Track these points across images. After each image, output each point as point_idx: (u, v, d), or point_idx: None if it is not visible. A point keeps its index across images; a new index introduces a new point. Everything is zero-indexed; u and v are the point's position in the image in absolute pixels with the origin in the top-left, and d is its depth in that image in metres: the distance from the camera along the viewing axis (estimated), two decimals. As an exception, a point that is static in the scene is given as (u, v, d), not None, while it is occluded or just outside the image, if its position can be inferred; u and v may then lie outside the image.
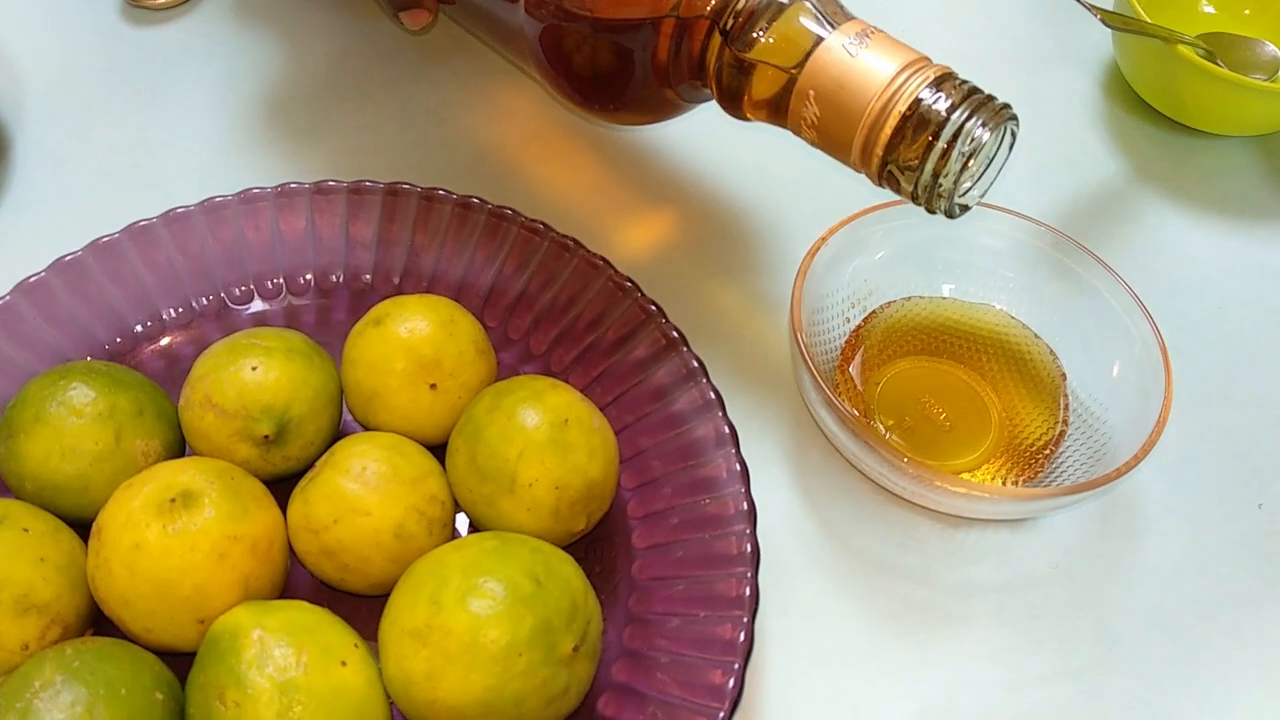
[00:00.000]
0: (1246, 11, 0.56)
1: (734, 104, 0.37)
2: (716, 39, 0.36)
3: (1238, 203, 0.51)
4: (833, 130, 0.34)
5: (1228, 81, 0.49)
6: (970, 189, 0.35)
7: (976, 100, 0.33)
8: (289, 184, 0.44)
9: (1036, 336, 0.44)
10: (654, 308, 0.41)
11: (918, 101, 0.33)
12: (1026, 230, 0.43)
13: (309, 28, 0.55)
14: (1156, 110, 0.54)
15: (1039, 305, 0.44)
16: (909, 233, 0.43)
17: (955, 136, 0.33)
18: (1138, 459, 0.36)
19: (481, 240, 0.43)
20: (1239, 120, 0.51)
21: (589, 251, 0.42)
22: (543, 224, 0.43)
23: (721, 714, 0.32)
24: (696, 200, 0.49)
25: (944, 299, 0.45)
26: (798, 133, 0.36)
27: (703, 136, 0.52)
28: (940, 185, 0.33)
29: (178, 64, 0.53)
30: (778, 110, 0.36)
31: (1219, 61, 0.51)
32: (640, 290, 0.41)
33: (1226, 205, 0.51)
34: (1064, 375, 0.43)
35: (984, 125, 0.33)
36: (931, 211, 0.35)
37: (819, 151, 0.36)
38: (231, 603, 0.33)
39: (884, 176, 0.34)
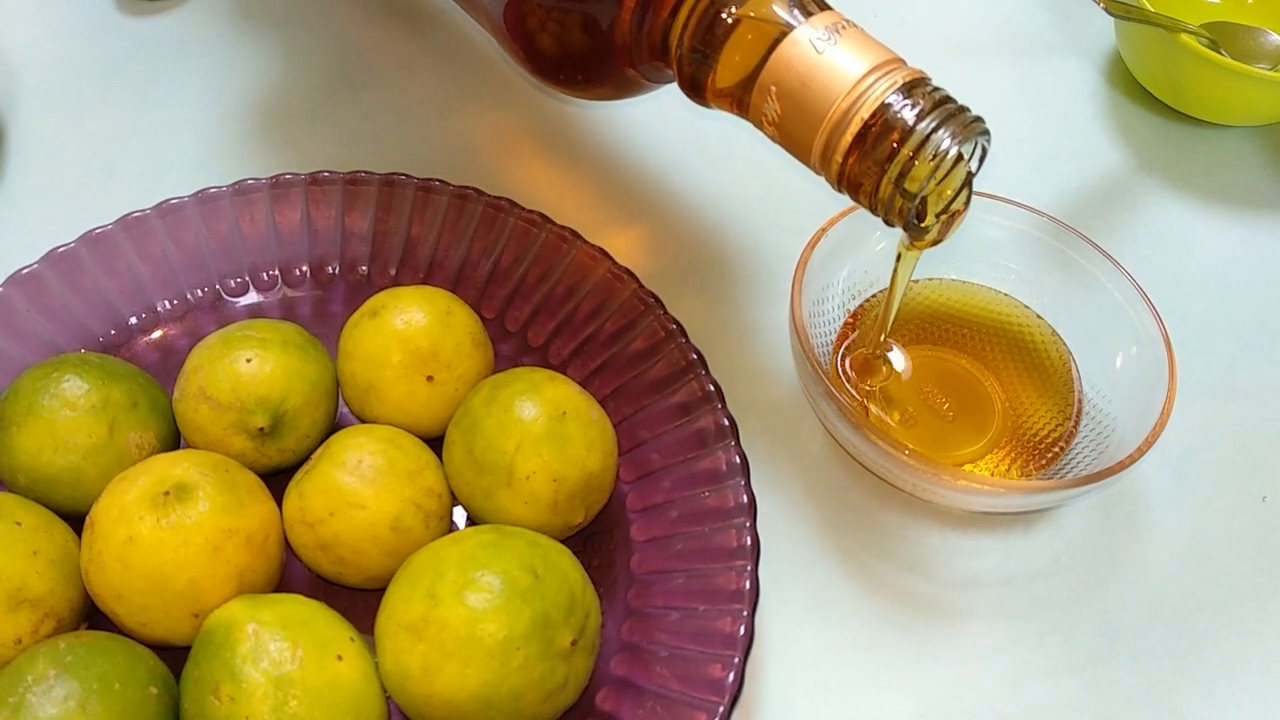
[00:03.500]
0: (1250, 1, 0.55)
1: (695, 90, 0.35)
2: (679, 19, 0.34)
3: (1241, 193, 0.51)
4: (793, 130, 0.32)
5: (1231, 71, 0.48)
6: (939, 203, 0.33)
7: (946, 110, 0.31)
8: (283, 175, 0.43)
9: (1039, 316, 0.43)
10: (653, 299, 0.41)
11: (884, 107, 0.31)
12: (1028, 220, 0.43)
13: (303, 18, 0.55)
14: (1159, 100, 0.53)
15: (1041, 296, 0.43)
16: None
17: (920, 147, 0.31)
18: (1141, 451, 0.36)
19: (478, 231, 0.43)
20: (1242, 110, 0.51)
21: (587, 243, 0.42)
22: (540, 215, 0.43)
23: (721, 708, 0.32)
24: (695, 191, 0.49)
25: (943, 281, 0.44)
26: (759, 128, 0.34)
27: (701, 126, 0.52)
28: (900, 198, 0.32)
29: (172, 55, 0.53)
30: (740, 102, 0.34)
31: (1222, 51, 0.51)
32: (639, 281, 0.41)
33: (1229, 195, 0.51)
34: (1072, 359, 0.42)
35: (952, 137, 0.31)
36: (890, 224, 0.33)
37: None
38: (226, 596, 0.32)
39: (844, 183, 0.32)
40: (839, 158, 0.32)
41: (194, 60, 0.53)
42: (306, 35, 0.54)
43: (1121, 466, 0.36)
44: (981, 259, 0.44)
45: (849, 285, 0.43)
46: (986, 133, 0.32)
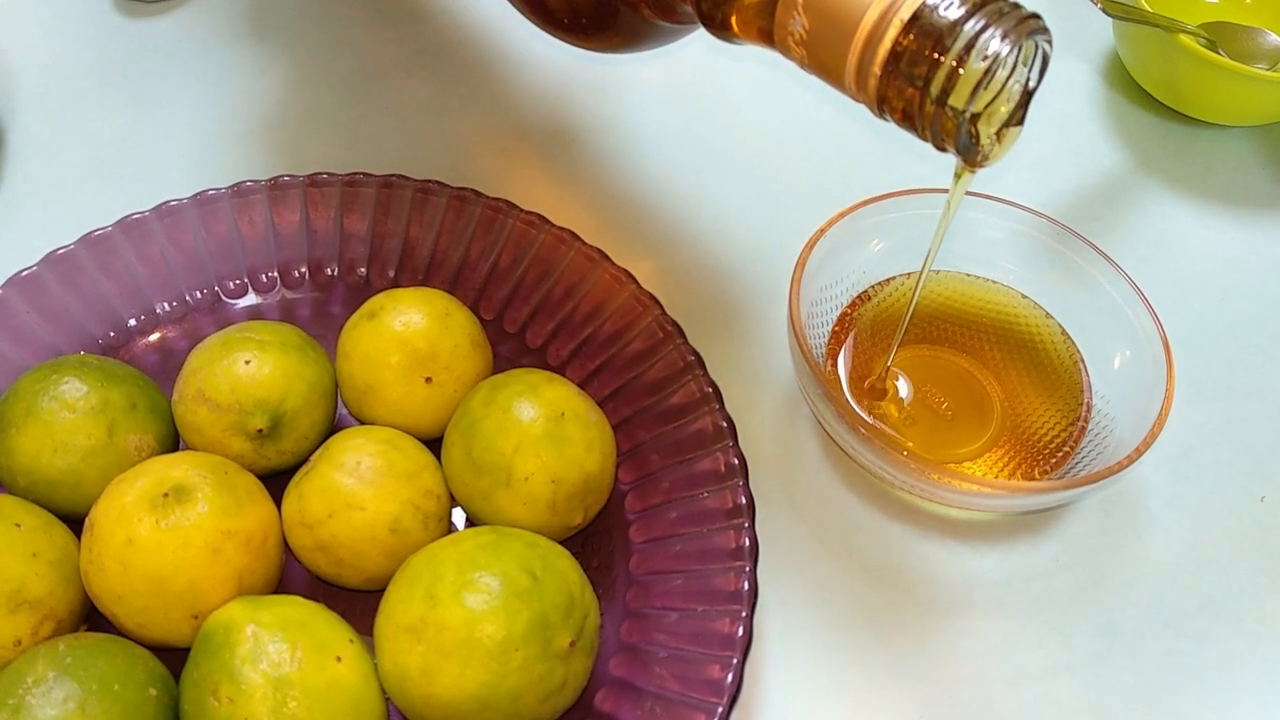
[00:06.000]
0: (1248, 1, 0.55)
1: (716, 18, 0.31)
2: None
3: (1239, 193, 0.51)
4: (823, 47, 0.28)
5: (1229, 71, 0.48)
6: (991, 123, 0.29)
7: (995, 8, 0.27)
8: (282, 177, 0.43)
9: (1048, 315, 0.43)
10: (651, 300, 0.41)
11: (923, 7, 0.27)
12: (1027, 221, 0.43)
13: (303, 20, 0.55)
14: (1158, 100, 0.53)
15: (1040, 297, 0.43)
16: (907, 225, 0.42)
17: (966, 51, 0.27)
18: (1139, 452, 0.36)
19: (477, 233, 0.43)
20: (1240, 110, 0.51)
21: (586, 244, 0.42)
22: (539, 216, 0.43)
23: (720, 709, 0.32)
24: (694, 192, 0.49)
25: (945, 274, 0.44)
26: (786, 53, 0.30)
27: (701, 129, 0.52)
28: (947, 115, 0.28)
29: (171, 56, 0.53)
30: (764, 27, 0.30)
31: (1220, 51, 0.51)
32: (636, 283, 0.41)
33: (1228, 196, 0.51)
34: (1080, 360, 0.42)
35: (1003, 38, 0.27)
36: (941, 149, 0.29)
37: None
38: (225, 598, 0.32)
39: (884, 104, 0.29)
40: (876, 70, 0.28)
41: (193, 62, 0.53)
42: (305, 37, 0.54)
43: (1120, 467, 0.36)
44: (980, 259, 0.44)
45: (847, 286, 0.43)
46: (1045, 31, 0.28)
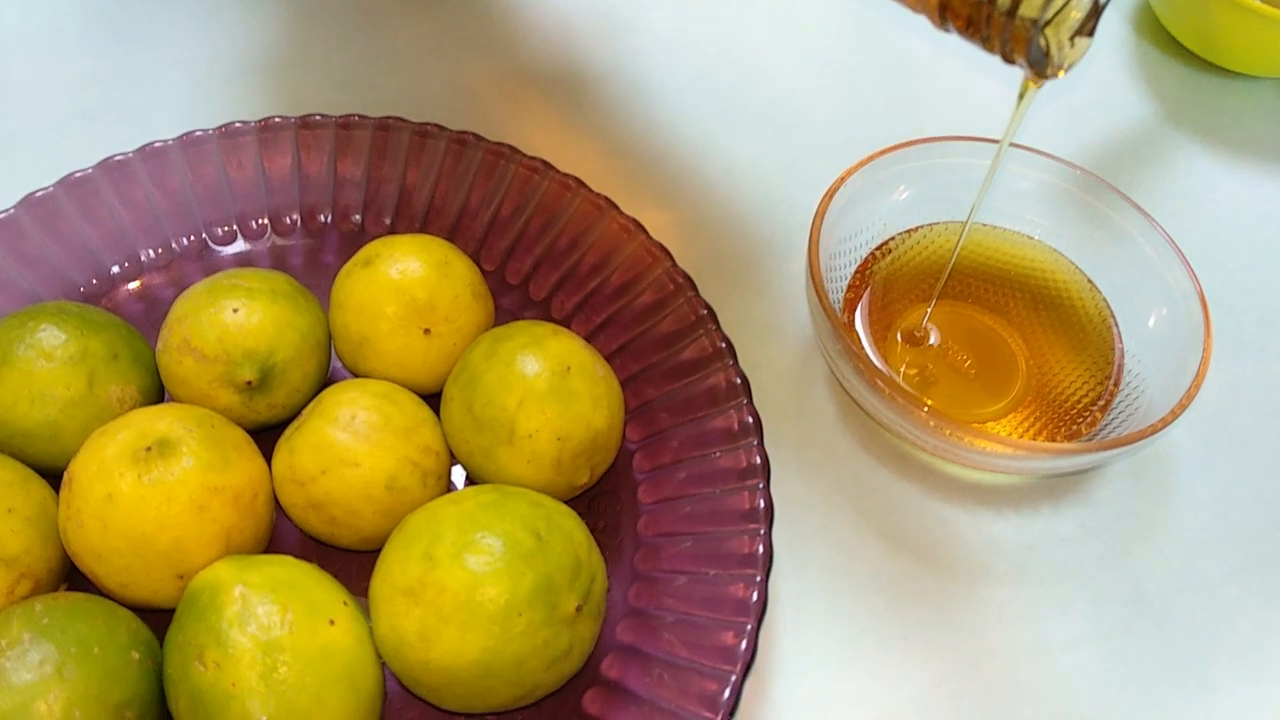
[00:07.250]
0: (1284, -53, 0.53)
1: None
2: None
3: (1272, 146, 0.49)
4: None
5: (1264, 18, 0.46)
6: (1061, 31, 0.28)
7: None
8: (273, 118, 0.41)
9: (1075, 267, 0.41)
10: (661, 251, 0.39)
11: None
12: (1056, 171, 0.41)
13: (296, -44, 0.52)
14: (1189, 50, 0.51)
15: (1069, 251, 0.42)
16: (931, 174, 0.41)
17: None
18: (1174, 414, 0.34)
19: (478, 179, 0.41)
20: (1274, 60, 0.49)
21: (592, 192, 0.40)
22: (542, 162, 0.41)
23: (733, 677, 0.31)
24: (704, 140, 0.47)
25: (975, 226, 0.42)
26: None
27: (710, 78, 0.50)
28: (1018, 24, 0.26)
29: (157, -7, 0.51)
30: None
31: (1257, -3, 0.48)
32: (646, 232, 0.39)
33: (1261, 149, 0.49)
34: (1112, 316, 0.40)
35: None
36: (1010, 61, 0.28)
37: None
38: (212, 557, 0.31)
39: (946, 12, 0.27)
40: None
41: None
42: (298, -25, 0.52)
43: (1153, 430, 0.34)
44: (1006, 212, 0.42)
45: (868, 238, 0.41)
46: None
